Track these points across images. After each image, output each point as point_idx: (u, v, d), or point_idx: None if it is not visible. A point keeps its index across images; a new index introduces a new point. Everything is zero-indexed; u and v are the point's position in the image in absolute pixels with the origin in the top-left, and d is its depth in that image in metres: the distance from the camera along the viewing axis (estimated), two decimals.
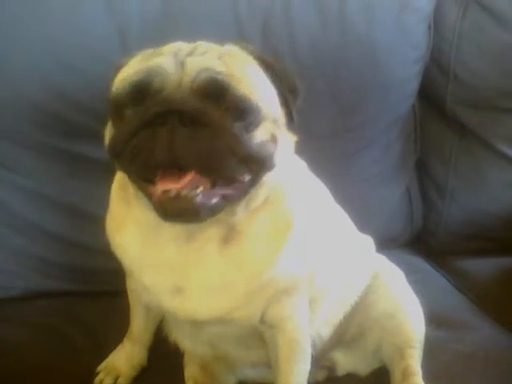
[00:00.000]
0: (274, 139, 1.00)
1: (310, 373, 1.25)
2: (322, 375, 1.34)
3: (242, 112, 0.94)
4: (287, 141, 1.08)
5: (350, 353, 1.34)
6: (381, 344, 1.32)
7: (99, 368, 1.34)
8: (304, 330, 1.17)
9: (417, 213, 1.91)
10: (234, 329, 1.14)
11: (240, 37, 1.58)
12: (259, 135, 0.97)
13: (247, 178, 0.98)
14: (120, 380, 1.32)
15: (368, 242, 1.42)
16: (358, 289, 1.32)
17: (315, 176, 1.27)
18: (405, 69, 1.71)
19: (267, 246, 1.06)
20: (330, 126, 1.69)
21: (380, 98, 1.69)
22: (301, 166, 1.21)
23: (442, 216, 1.90)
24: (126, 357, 1.34)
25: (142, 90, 0.94)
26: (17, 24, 1.45)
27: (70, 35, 1.46)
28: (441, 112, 1.84)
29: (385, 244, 1.68)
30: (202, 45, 1.02)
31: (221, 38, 1.53)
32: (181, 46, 1.00)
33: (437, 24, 1.75)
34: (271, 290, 1.08)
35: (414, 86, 1.75)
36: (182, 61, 0.95)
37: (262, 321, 1.12)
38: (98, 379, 1.31)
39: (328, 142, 1.69)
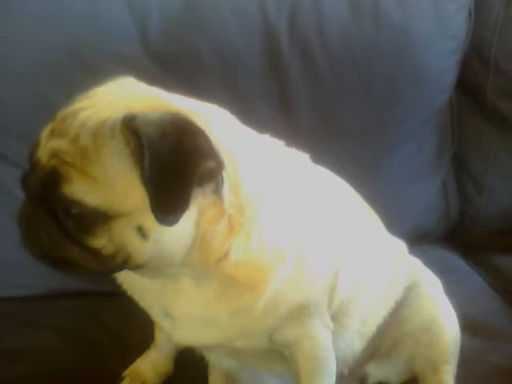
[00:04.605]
0: (142, 233, 0.88)
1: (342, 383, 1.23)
2: None
3: (73, 214, 0.87)
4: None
5: (382, 364, 1.31)
6: (413, 356, 1.28)
7: (124, 373, 1.33)
8: (324, 345, 1.12)
9: (453, 208, 1.86)
10: (244, 349, 1.10)
11: (266, 29, 1.54)
12: (105, 235, 0.88)
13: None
14: None
15: (401, 247, 1.35)
16: (391, 299, 1.27)
17: (338, 178, 1.21)
18: (442, 60, 1.64)
19: (246, 285, 0.98)
20: (362, 122, 1.64)
21: (415, 91, 1.64)
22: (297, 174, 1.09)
23: (479, 211, 1.86)
24: (151, 364, 1.33)
25: (28, 159, 0.94)
26: (34, 22, 1.42)
27: (87, 32, 1.43)
28: (480, 104, 1.78)
29: (420, 239, 1.69)
30: (77, 116, 0.89)
31: (246, 31, 1.52)
32: (63, 114, 0.91)
33: (478, 10, 1.67)
34: (270, 319, 1.02)
35: (451, 77, 1.69)
36: (46, 138, 0.91)
37: (273, 342, 1.07)
38: None
39: (360, 138, 1.65)
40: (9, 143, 1.50)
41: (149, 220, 0.86)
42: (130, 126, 0.85)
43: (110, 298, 1.52)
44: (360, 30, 1.55)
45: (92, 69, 1.42)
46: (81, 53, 1.44)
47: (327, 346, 1.12)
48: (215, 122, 0.94)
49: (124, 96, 0.94)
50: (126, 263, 0.91)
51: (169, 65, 1.45)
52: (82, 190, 0.85)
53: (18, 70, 1.45)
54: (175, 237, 0.90)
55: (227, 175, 0.92)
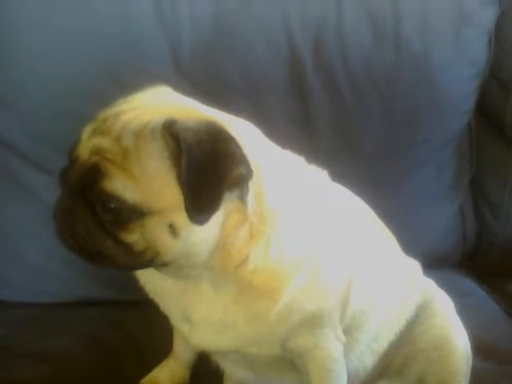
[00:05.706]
0: (173, 231, 0.93)
1: None
2: None
3: (110, 208, 0.91)
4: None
5: (393, 382, 1.31)
6: (424, 374, 1.28)
7: (142, 381, 1.35)
8: (336, 357, 1.14)
9: (470, 233, 1.86)
10: (257, 356, 1.13)
11: (291, 53, 1.58)
12: (138, 230, 0.93)
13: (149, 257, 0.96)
14: None
15: (415, 267, 1.36)
16: (403, 316, 1.28)
17: (355, 196, 1.23)
18: (461, 86, 1.66)
19: (263, 291, 1.01)
20: (382, 145, 1.66)
21: (434, 116, 1.65)
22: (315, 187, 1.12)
23: (497, 237, 1.84)
24: (168, 373, 1.35)
25: (68, 155, 0.99)
26: (68, 38, 1.48)
27: (119, 48, 1.49)
28: (499, 130, 1.78)
29: (436, 263, 1.66)
30: (119, 117, 0.94)
31: (272, 54, 1.56)
32: (105, 115, 0.97)
33: (498, 37, 1.68)
34: (284, 325, 1.05)
35: (470, 103, 1.70)
36: (88, 136, 0.96)
37: (286, 351, 1.10)
38: None
39: (380, 161, 1.67)
40: (42, 152, 1.55)
41: (180, 218, 0.91)
42: (171, 131, 0.90)
43: (132, 307, 1.56)
44: (381, 56, 1.58)
45: (125, 85, 1.47)
46: (115, 70, 1.49)
47: (338, 358, 1.15)
48: (244, 133, 0.99)
49: (162, 102, 1.00)
50: (154, 260, 0.96)
51: (198, 84, 1.49)
52: (121, 186, 0.90)
53: (52, 84, 1.50)
54: (202, 237, 0.95)
55: (252, 184, 0.97)
